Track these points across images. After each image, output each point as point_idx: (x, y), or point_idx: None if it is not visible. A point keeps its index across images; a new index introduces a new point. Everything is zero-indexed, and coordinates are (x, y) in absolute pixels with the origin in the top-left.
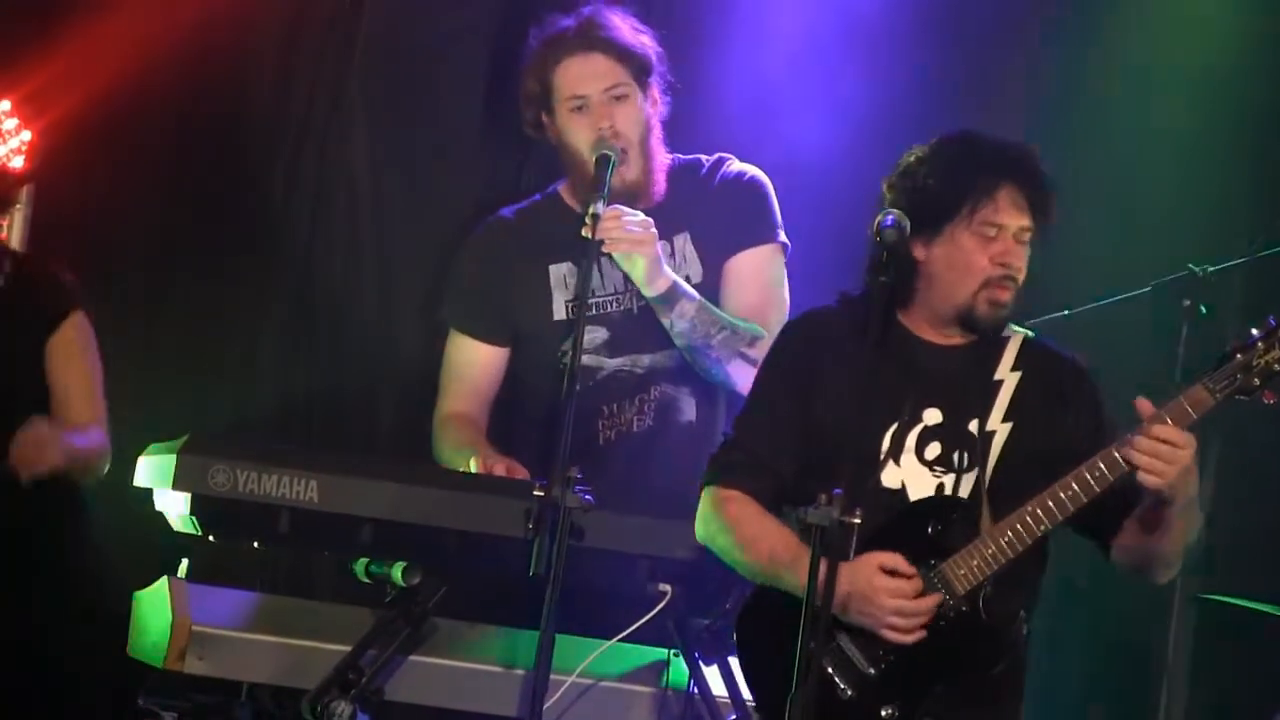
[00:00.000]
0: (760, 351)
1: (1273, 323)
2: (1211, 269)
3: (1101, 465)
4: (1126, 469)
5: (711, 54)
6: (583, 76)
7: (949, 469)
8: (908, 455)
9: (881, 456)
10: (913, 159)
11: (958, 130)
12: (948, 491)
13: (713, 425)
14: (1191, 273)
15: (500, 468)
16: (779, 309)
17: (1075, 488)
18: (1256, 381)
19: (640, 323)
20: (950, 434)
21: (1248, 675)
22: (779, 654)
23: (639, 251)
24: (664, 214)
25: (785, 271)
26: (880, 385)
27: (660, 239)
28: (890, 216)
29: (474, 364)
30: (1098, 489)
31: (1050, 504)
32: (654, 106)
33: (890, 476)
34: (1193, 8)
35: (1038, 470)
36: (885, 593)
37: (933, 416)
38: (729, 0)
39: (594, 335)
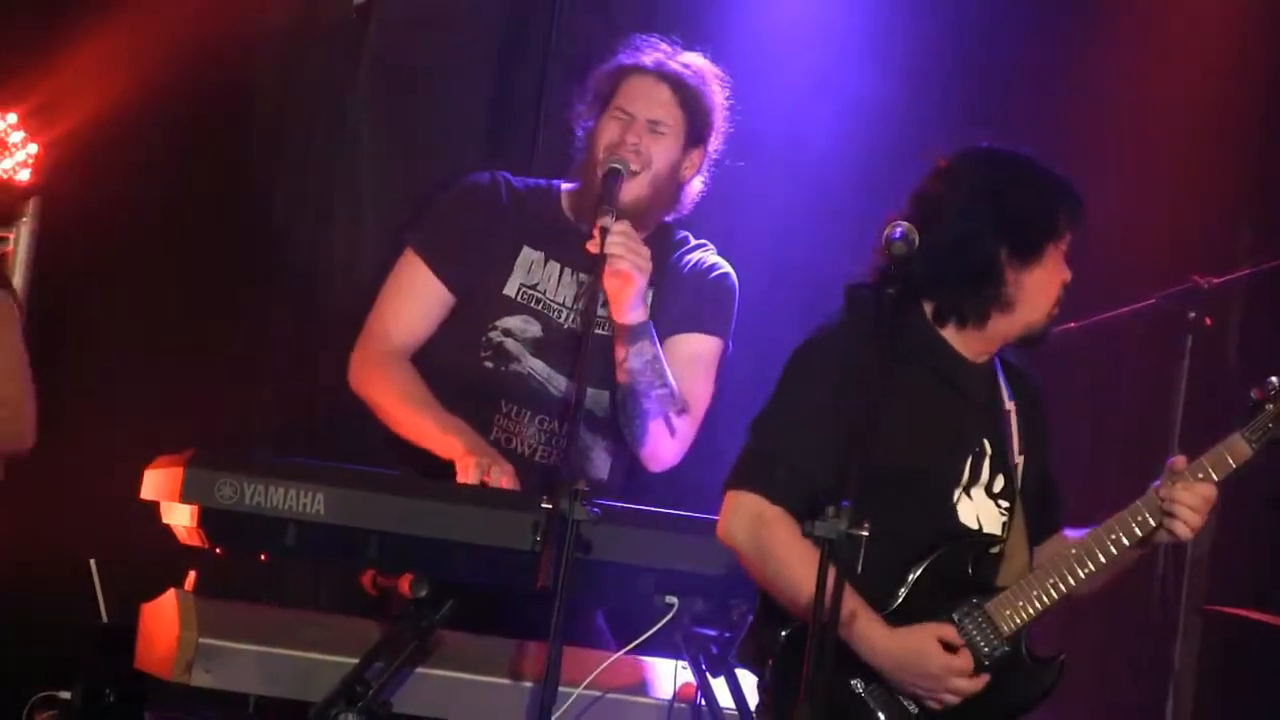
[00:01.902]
0: (683, 426)
1: None
2: (1216, 281)
3: (1146, 512)
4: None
5: (715, 51)
6: (639, 97)
7: (1011, 504)
8: (979, 489)
9: (961, 485)
10: (989, 181)
11: (998, 146)
12: (1008, 527)
13: (618, 483)
14: (1196, 285)
15: (507, 480)
16: (703, 402)
17: (1119, 532)
18: None
19: (575, 350)
20: (1003, 464)
21: (1255, 687)
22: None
23: (635, 276)
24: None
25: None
26: (947, 411)
27: None
28: (899, 229)
29: (426, 297)
30: (1140, 534)
31: (1096, 550)
32: (690, 166)
33: (966, 512)
34: (1199, 19)
35: (1040, 501)
36: (950, 673)
37: (988, 446)
38: None
39: (527, 325)
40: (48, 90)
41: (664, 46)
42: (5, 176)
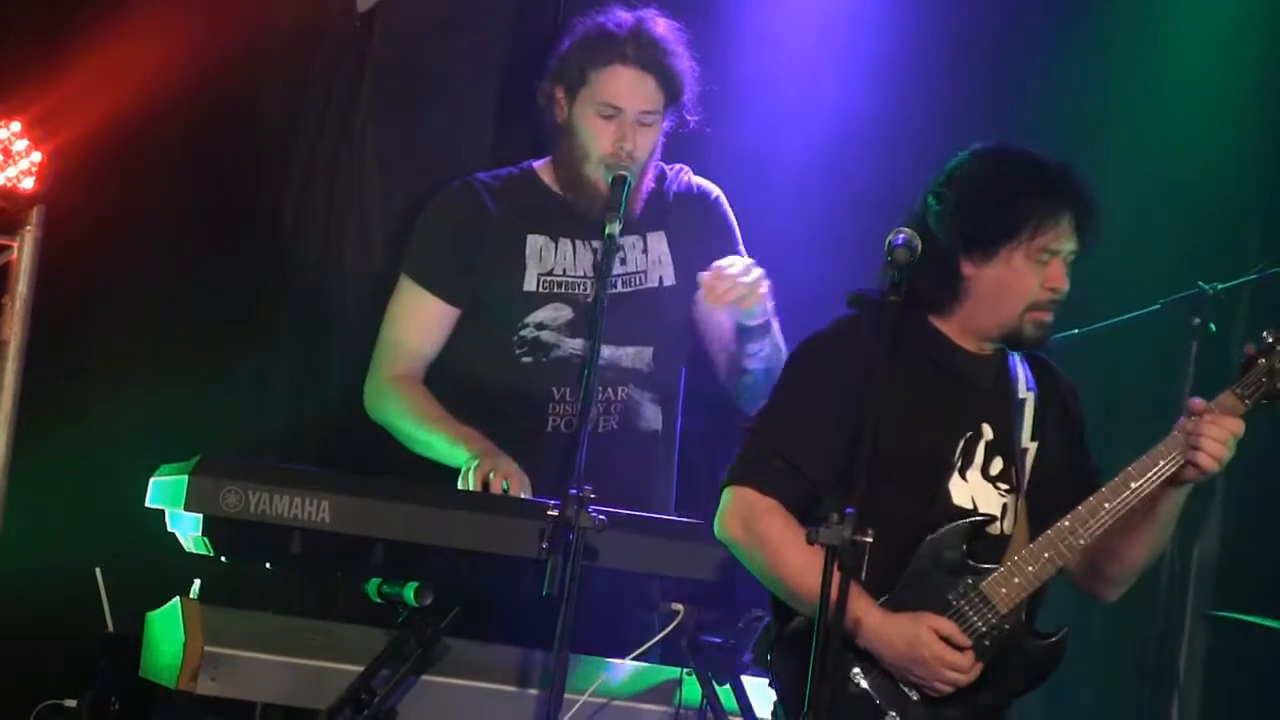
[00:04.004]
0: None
1: None
2: (1221, 286)
3: (1134, 482)
4: (1160, 486)
5: (722, 49)
6: (626, 92)
7: (1011, 487)
8: (974, 471)
9: (954, 468)
10: (966, 172)
11: (1007, 145)
12: (1010, 511)
13: (673, 433)
14: (1201, 291)
15: (514, 482)
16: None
17: (1109, 504)
18: (1279, 386)
19: (609, 313)
20: (1005, 450)
21: (1260, 693)
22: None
23: (757, 297)
24: (640, 213)
25: None
26: (940, 396)
27: (634, 233)
28: (901, 235)
29: (427, 320)
30: (1164, 475)
31: (1089, 520)
32: (667, 123)
33: (960, 493)
34: (1208, 27)
35: (1056, 490)
36: (942, 663)
37: (988, 432)
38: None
39: (558, 313)
40: (52, 99)
41: (624, 16)
42: (9, 185)
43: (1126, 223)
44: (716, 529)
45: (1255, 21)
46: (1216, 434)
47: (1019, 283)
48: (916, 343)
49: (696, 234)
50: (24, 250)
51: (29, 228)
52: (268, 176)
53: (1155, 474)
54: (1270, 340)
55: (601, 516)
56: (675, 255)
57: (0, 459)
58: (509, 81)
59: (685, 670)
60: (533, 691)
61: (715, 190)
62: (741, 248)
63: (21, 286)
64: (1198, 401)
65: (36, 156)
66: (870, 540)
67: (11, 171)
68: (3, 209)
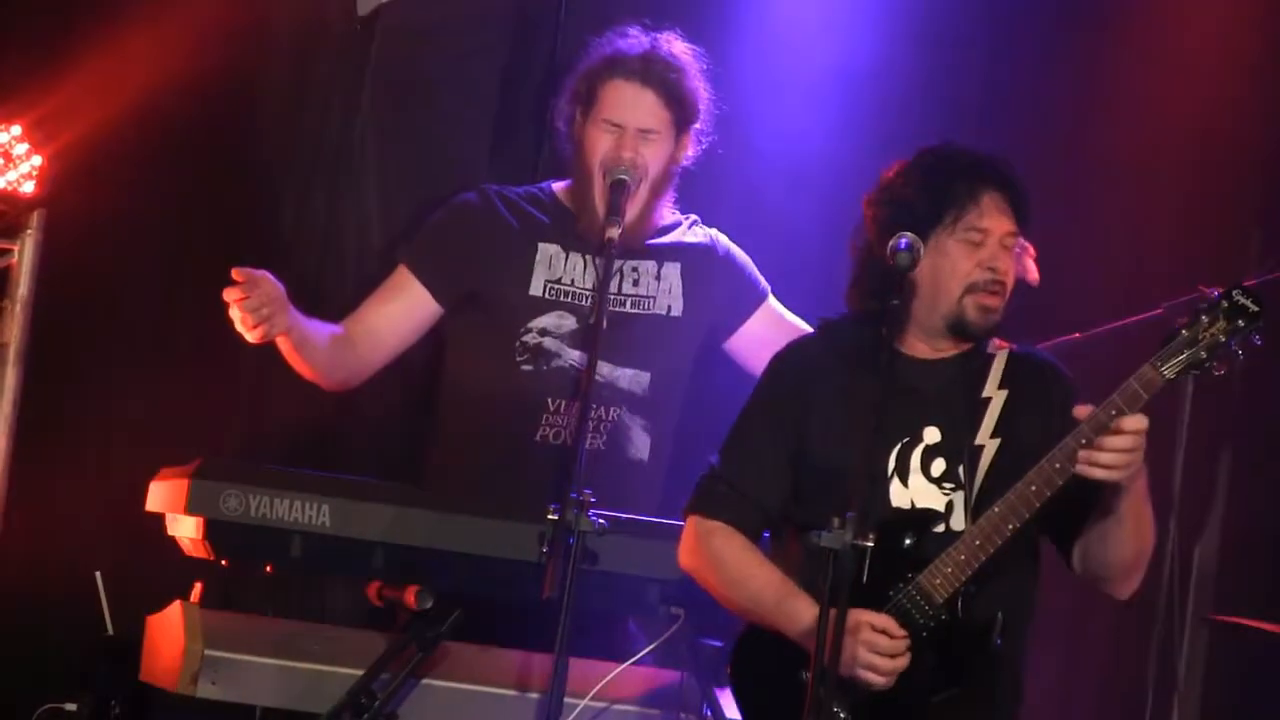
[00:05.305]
0: None
1: (1215, 295)
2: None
3: (1061, 458)
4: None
5: (720, 58)
6: (626, 105)
7: (957, 486)
8: (915, 475)
9: (888, 476)
10: (891, 174)
11: (934, 143)
12: (957, 508)
13: (660, 465)
14: (1202, 295)
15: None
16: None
17: (1037, 484)
18: (1203, 355)
19: (612, 331)
20: (952, 450)
21: (1260, 697)
22: (776, 686)
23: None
24: (659, 242)
25: None
26: (875, 409)
27: (649, 258)
28: (904, 239)
29: (409, 298)
30: (1059, 481)
31: (1016, 502)
32: (680, 153)
33: (899, 496)
34: (1209, 27)
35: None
36: (872, 650)
37: (932, 435)
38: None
39: (562, 321)
40: (52, 102)
41: (638, 36)
42: (9, 188)
43: (1128, 226)
44: (679, 562)
45: (1257, 22)
46: (1114, 446)
47: (952, 266)
48: (863, 358)
49: (709, 280)
50: (24, 253)
51: (29, 231)
52: (268, 177)
53: (1068, 462)
54: (1195, 310)
55: (602, 520)
56: (687, 291)
57: (0, 461)
58: (509, 84)
59: (685, 674)
60: (533, 695)
61: (724, 240)
62: (759, 279)
63: (22, 289)
64: (1079, 410)
65: (37, 160)
66: (871, 545)
67: (12, 175)
68: (3, 212)
